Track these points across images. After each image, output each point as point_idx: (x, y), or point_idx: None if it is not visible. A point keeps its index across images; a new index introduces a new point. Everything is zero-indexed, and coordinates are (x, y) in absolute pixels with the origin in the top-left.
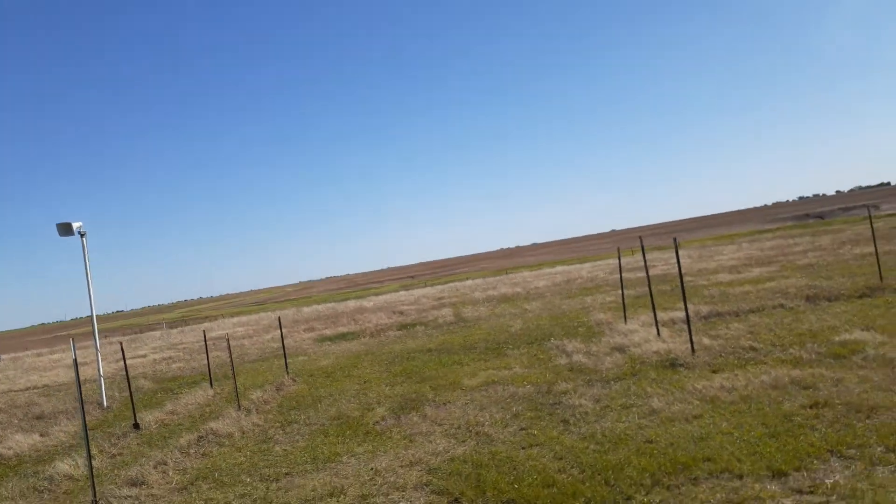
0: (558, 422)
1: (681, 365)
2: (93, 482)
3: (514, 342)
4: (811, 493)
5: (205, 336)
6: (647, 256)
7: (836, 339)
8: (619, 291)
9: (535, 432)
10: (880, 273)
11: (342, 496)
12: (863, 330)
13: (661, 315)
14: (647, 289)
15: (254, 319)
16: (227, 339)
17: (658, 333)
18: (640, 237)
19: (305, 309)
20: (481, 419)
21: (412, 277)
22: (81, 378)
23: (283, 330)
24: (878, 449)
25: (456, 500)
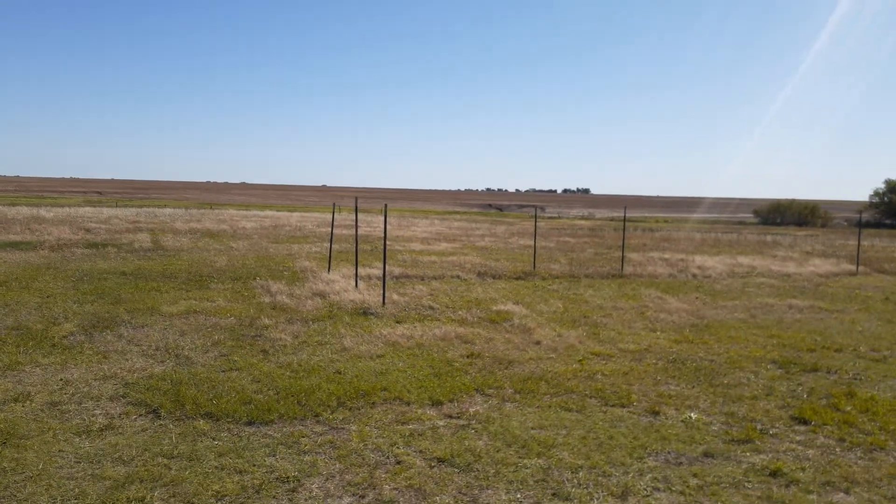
0: (258, 351)
1: (372, 314)
2: None
3: (219, 277)
4: (458, 417)
5: None
6: (361, 217)
7: (494, 308)
8: (325, 244)
9: (236, 359)
10: (534, 262)
11: (28, 401)
12: (514, 303)
13: (361, 270)
14: (350, 245)
15: None
16: None
17: (356, 285)
18: (356, 198)
19: None
20: (181, 343)
21: (100, 194)
22: None
23: None
24: (510, 391)
25: (154, 410)
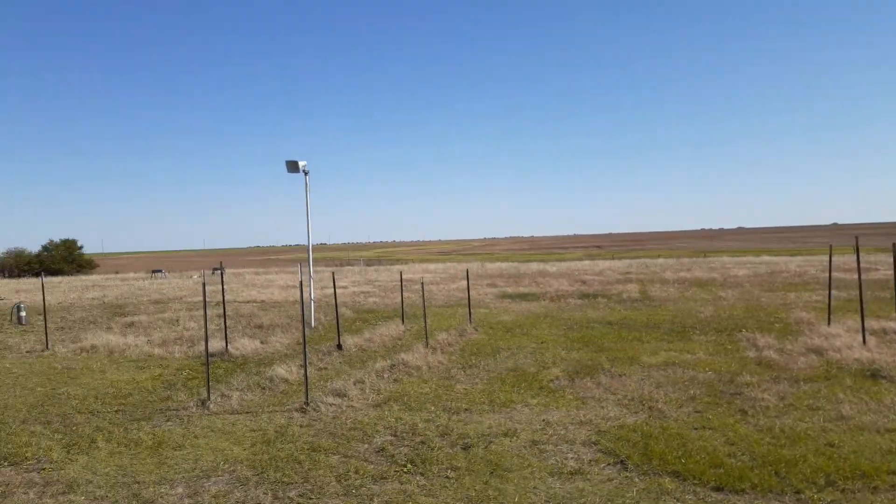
0: (736, 411)
1: (883, 377)
2: (306, 387)
3: (702, 328)
4: None
5: (401, 277)
6: (874, 258)
7: None
8: (828, 291)
9: (710, 416)
10: None
11: (515, 437)
12: None
13: (872, 323)
14: (865, 292)
15: (441, 268)
16: (422, 284)
17: (864, 341)
18: (856, 236)
19: (489, 265)
20: (656, 396)
21: (598, 247)
22: (291, 300)
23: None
24: None
25: (622, 462)
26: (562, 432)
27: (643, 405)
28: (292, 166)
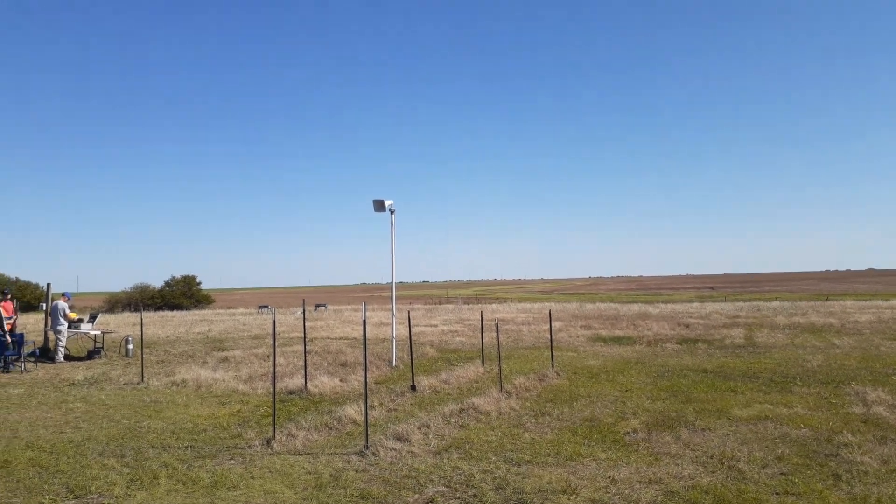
0: (828, 475)
1: None
2: (366, 430)
3: (806, 379)
4: None
5: (481, 317)
6: None
7: None
8: None
9: (796, 480)
10: None
11: (574, 495)
12: None
13: None
14: None
15: (537, 308)
16: (496, 325)
17: None
18: None
19: (588, 305)
20: (738, 454)
21: (711, 289)
22: (381, 337)
23: (561, 324)
24: None
25: None
26: (626, 491)
27: (722, 464)
28: (379, 205)
